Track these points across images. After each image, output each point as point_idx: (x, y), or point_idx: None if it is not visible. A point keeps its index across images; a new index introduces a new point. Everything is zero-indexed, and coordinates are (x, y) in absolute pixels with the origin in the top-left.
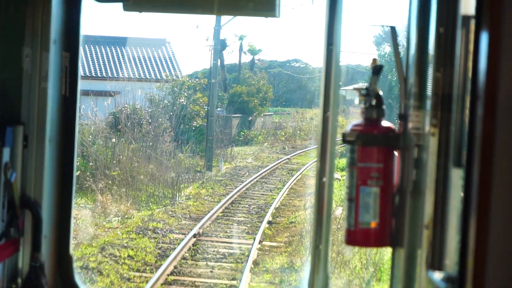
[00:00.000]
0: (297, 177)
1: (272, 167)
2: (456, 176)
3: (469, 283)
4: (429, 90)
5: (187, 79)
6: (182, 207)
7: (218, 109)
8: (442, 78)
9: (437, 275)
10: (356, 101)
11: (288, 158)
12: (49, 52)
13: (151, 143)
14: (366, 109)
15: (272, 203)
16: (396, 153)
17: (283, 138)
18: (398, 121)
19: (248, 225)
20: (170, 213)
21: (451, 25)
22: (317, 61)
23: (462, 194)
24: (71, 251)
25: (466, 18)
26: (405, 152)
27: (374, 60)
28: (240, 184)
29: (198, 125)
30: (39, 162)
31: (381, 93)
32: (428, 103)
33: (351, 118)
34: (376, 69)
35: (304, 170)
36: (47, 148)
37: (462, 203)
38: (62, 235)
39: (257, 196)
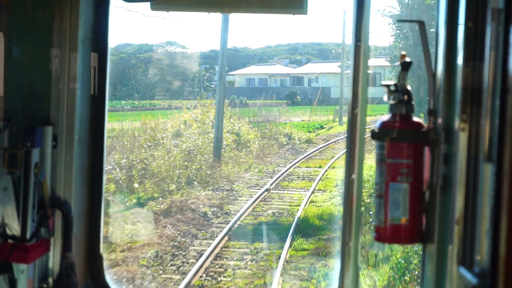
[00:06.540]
0: None
1: None
2: (487, 171)
3: (500, 279)
4: (458, 85)
5: None
6: None
7: None
8: (471, 72)
9: (468, 271)
10: (385, 98)
11: None
12: (78, 53)
13: None
14: (395, 105)
15: None
16: (425, 148)
17: None
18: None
19: None
20: None
21: (480, 19)
22: (196, 45)
23: (493, 189)
24: (101, 250)
25: (496, 12)
26: (435, 148)
27: (403, 55)
28: None
29: None
30: (68, 162)
31: (409, 88)
32: (458, 98)
33: (250, 115)
34: (405, 65)
35: None
36: (76, 148)
37: (493, 198)
38: (93, 234)
39: None
